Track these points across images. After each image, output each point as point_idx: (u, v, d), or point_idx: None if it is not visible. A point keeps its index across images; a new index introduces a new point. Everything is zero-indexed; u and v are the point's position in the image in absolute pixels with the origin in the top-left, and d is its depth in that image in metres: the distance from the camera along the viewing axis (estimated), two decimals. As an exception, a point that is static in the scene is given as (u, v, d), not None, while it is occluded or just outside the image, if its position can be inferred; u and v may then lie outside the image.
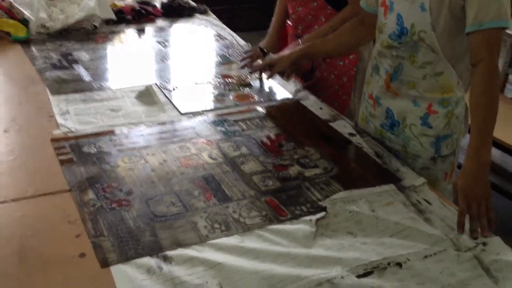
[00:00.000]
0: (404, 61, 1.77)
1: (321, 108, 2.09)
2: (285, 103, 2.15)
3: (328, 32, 2.13)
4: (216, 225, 1.42)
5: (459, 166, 1.70)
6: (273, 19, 2.53)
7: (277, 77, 2.23)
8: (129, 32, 2.91)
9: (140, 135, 1.85)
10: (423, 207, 1.53)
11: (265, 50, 2.35)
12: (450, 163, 1.84)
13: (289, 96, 2.21)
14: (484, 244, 1.38)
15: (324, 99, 2.22)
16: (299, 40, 2.23)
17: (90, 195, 1.52)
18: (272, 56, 2.23)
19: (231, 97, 2.16)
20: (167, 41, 2.81)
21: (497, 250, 1.35)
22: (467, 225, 1.43)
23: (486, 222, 1.44)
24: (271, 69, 2.16)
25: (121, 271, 1.25)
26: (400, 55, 1.78)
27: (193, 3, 3.31)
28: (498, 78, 1.63)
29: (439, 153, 1.82)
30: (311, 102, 2.14)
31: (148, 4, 3.21)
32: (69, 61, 2.46)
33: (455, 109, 1.77)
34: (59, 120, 1.91)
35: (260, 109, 2.08)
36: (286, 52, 2.18)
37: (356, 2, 2.10)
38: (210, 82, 2.30)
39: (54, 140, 1.78)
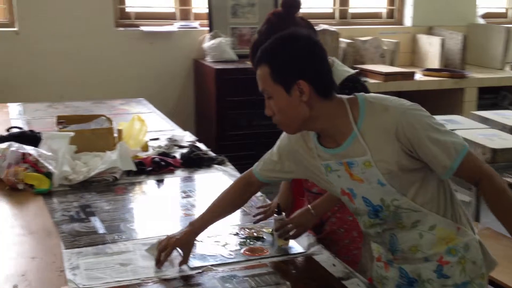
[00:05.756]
0: (394, 231, 1.76)
1: (334, 265, 2.04)
2: (297, 258, 2.12)
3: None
4: None
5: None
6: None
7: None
8: (149, 183, 2.99)
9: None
10: None
11: (280, 211, 2.25)
12: None
13: (302, 250, 2.18)
14: None
15: (335, 253, 2.18)
16: (309, 206, 2.24)
17: None
18: (283, 217, 2.21)
19: (241, 251, 2.15)
20: (185, 192, 2.86)
21: None
22: None
23: None
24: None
25: None
26: (387, 228, 1.77)
27: (212, 154, 3.41)
28: (503, 180, 1.66)
29: None
30: (324, 258, 2.10)
31: (168, 155, 3.33)
32: (86, 213, 2.51)
33: (467, 255, 1.73)
34: (68, 275, 1.91)
35: (271, 265, 2.05)
36: (295, 214, 2.22)
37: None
38: (219, 235, 2.29)
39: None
